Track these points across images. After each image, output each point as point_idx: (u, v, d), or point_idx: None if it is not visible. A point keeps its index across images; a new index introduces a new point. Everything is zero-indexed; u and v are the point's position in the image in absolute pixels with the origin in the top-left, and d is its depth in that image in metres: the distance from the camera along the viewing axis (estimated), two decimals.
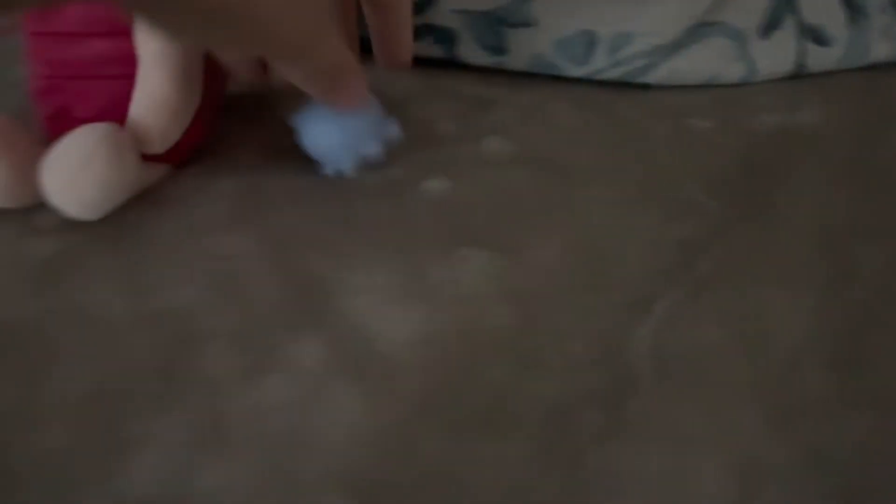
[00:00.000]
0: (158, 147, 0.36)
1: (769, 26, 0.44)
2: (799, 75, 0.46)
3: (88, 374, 0.30)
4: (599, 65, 0.43)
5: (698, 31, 0.42)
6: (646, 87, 0.44)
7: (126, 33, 0.36)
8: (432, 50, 0.45)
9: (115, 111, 0.36)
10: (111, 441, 0.27)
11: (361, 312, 0.31)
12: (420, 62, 0.47)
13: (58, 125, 0.38)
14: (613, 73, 0.43)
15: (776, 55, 0.45)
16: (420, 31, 0.44)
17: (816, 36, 0.45)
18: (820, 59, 0.46)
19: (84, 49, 0.36)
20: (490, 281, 0.32)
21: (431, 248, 0.34)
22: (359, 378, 0.28)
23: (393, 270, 0.33)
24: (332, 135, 0.36)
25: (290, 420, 0.27)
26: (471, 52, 0.44)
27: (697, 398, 0.28)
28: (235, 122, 0.41)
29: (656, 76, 0.43)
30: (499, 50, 0.44)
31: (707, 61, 0.43)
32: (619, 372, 0.29)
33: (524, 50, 0.43)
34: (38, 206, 0.37)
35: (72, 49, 0.36)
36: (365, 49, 0.37)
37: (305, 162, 0.39)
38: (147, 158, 0.37)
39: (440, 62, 0.46)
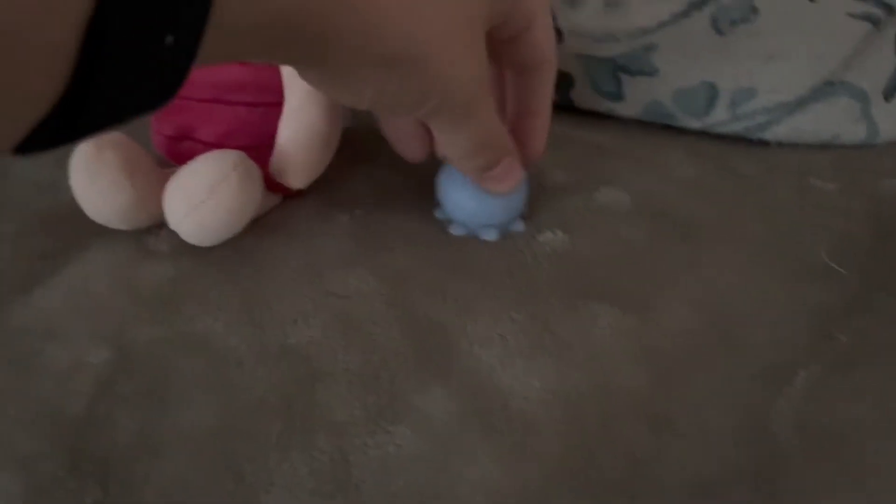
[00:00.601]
0: (306, 181, 0.35)
1: (893, 88, 0.43)
2: None
3: (209, 407, 0.29)
4: (719, 118, 0.42)
5: (823, 89, 0.41)
6: (763, 143, 0.43)
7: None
8: None
9: (236, 137, 0.36)
10: (235, 480, 0.26)
11: (490, 365, 0.30)
12: None
13: (177, 146, 0.38)
14: (732, 128, 0.42)
15: None
16: None
17: None
18: None
19: (215, 73, 0.36)
20: (620, 339, 0.31)
21: (556, 301, 0.33)
22: (494, 435, 0.27)
23: (517, 322, 0.32)
24: (475, 203, 0.35)
25: (423, 475, 0.26)
26: (586, 97, 0.44)
27: (856, 481, 0.26)
28: (345, 157, 0.40)
29: (776, 133, 0.42)
30: (615, 96, 0.43)
31: (829, 121, 0.42)
32: (764, 446, 0.28)
33: (641, 98, 0.42)
34: (152, 228, 0.37)
35: (204, 72, 0.36)
36: None
37: (417, 201, 0.39)
38: (268, 188, 0.36)
39: None
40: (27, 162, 0.43)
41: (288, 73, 0.35)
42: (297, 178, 0.35)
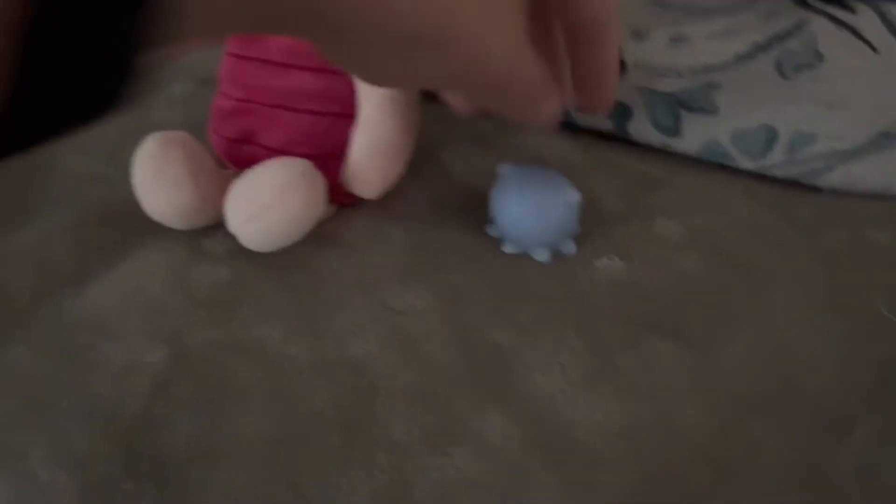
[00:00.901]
0: (377, 192, 0.35)
1: None
2: None
3: (267, 416, 0.29)
4: (775, 160, 0.42)
5: (881, 140, 0.41)
6: (815, 188, 0.43)
7: (328, 71, 0.35)
8: (601, 122, 0.44)
9: (300, 145, 0.36)
10: (294, 494, 0.26)
11: (550, 393, 0.30)
12: (582, 131, 0.46)
13: (238, 149, 0.37)
14: (787, 171, 0.42)
15: None
16: None
17: None
18: None
19: (284, 79, 0.36)
20: (682, 377, 0.31)
21: (616, 332, 0.33)
22: (558, 466, 0.27)
23: (577, 351, 0.32)
24: (530, 220, 0.35)
25: (485, 501, 0.26)
26: (642, 129, 0.43)
27: None
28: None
29: (830, 180, 0.42)
30: (672, 132, 0.43)
31: (883, 171, 0.42)
32: (826, 497, 0.27)
33: (699, 135, 0.42)
34: (208, 229, 0.37)
35: (272, 77, 0.36)
36: None
37: (471, 217, 0.39)
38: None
39: (602, 135, 0.45)
40: (80, 154, 0.43)
41: (363, 89, 0.35)
42: (370, 189, 0.35)
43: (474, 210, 0.39)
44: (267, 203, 0.33)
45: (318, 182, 0.34)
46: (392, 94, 0.34)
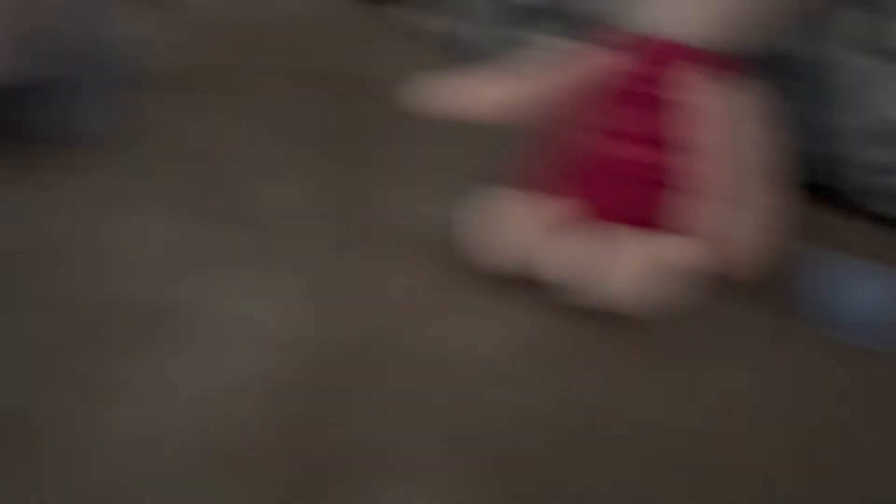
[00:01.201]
0: (750, 276, 0.37)
1: None
2: None
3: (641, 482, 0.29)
4: None
5: None
6: None
7: (667, 144, 0.37)
8: None
9: (641, 216, 0.38)
10: None
11: None
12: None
13: (584, 212, 0.38)
14: None
15: None
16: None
17: None
18: None
19: (633, 151, 0.37)
20: None
21: None
22: None
23: None
24: (857, 310, 0.36)
25: None
26: None
27: None
28: None
29: None
30: None
31: None
32: None
33: None
34: (544, 285, 0.38)
35: (622, 148, 0.38)
36: None
37: (785, 303, 0.38)
38: None
39: None
40: (405, 195, 0.45)
41: (751, 166, 0.36)
42: (744, 272, 0.37)
43: (786, 294, 0.39)
44: (646, 270, 0.35)
45: (696, 261, 0.36)
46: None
